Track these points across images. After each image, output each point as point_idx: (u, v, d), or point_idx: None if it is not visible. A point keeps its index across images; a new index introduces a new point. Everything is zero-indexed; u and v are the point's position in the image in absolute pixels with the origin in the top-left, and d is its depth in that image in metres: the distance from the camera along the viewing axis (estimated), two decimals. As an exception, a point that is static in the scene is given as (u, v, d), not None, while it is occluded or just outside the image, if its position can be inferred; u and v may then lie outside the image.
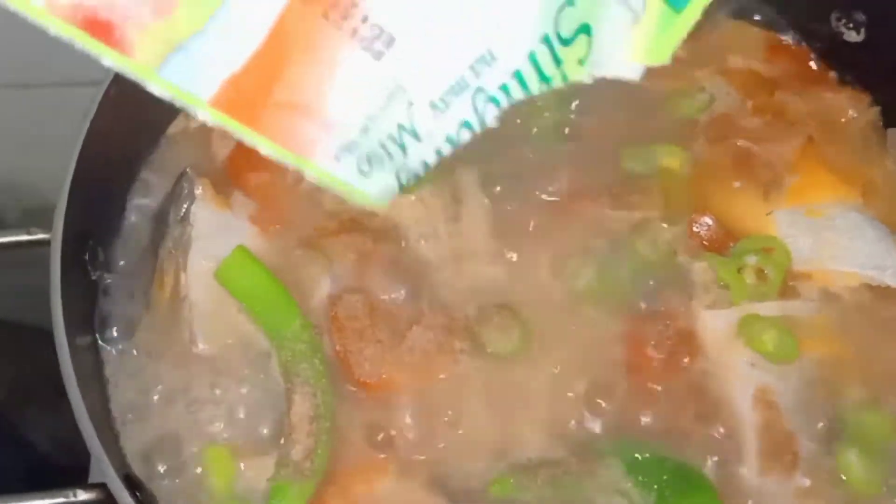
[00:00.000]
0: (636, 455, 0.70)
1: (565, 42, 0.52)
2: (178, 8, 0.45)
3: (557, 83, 0.54)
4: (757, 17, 0.89)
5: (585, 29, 0.53)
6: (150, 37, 0.45)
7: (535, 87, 0.54)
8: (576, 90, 0.81)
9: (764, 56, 0.87)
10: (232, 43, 0.47)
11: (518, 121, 0.81)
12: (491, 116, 0.55)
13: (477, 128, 0.55)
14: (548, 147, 0.81)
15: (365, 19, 0.49)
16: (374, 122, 0.51)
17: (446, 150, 0.54)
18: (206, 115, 0.48)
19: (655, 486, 0.68)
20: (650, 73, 0.85)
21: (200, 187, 0.78)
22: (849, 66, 0.85)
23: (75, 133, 0.73)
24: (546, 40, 0.52)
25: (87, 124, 0.72)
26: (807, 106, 0.84)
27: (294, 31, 0.48)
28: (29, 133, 1.26)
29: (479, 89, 0.53)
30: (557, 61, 0.53)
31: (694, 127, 0.84)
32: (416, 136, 0.53)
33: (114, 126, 0.75)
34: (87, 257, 0.75)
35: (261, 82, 0.49)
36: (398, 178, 0.54)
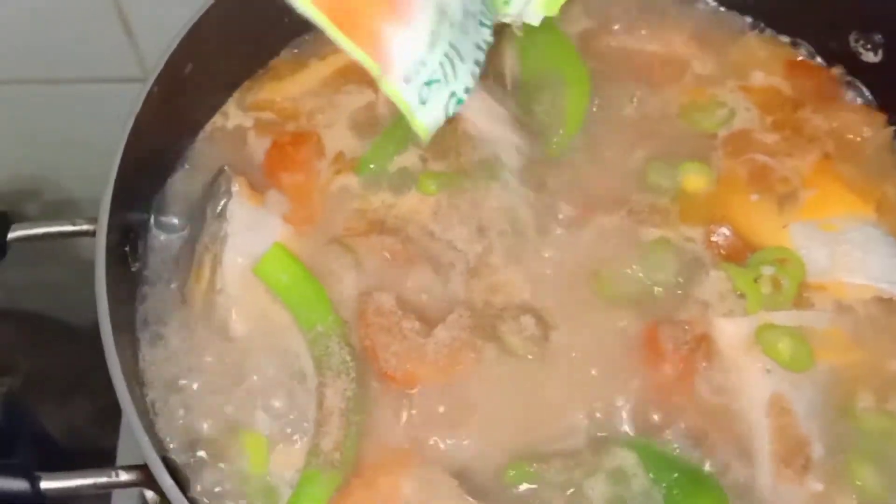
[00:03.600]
0: (649, 452, 0.72)
1: None
2: None
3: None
4: (778, 35, 0.91)
5: None
6: None
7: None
8: (596, 101, 0.85)
9: (784, 73, 0.90)
10: None
11: (538, 125, 0.84)
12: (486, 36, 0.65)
13: (485, 48, 0.64)
14: (569, 155, 0.84)
15: None
16: (436, 37, 0.58)
17: (476, 72, 0.62)
18: (305, 9, 0.54)
19: (665, 484, 0.71)
20: (674, 86, 0.89)
21: (237, 185, 0.81)
22: (866, 85, 0.88)
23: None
24: None
25: (132, 120, 0.75)
26: (825, 123, 0.87)
27: None
28: (54, 129, 1.29)
29: (472, 13, 0.63)
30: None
31: (713, 140, 0.86)
32: (459, 55, 0.60)
33: (156, 123, 0.78)
34: (127, 249, 0.78)
35: None
36: (446, 110, 0.61)
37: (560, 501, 0.71)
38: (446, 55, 0.59)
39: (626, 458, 0.72)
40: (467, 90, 0.62)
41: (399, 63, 0.57)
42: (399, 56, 0.57)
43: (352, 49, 0.55)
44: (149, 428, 0.69)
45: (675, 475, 0.71)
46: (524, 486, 0.72)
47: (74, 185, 1.41)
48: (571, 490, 0.71)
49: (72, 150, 1.26)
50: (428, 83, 0.59)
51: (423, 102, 0.60)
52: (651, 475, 0.71)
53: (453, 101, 0.62)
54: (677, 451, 0.73)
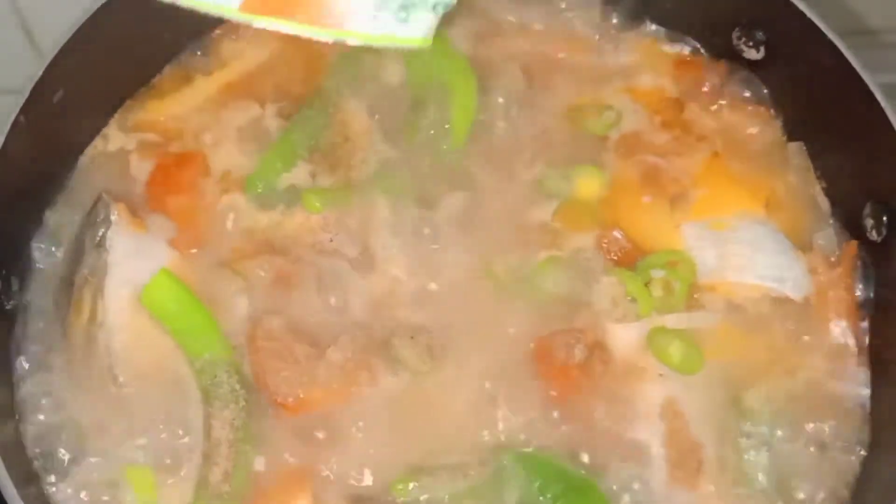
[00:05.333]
0: (537, 463, 0.72)
1: None
2: None
3: None
4: (665, 36, 0.91)
5: None
6: None
7: None
8: (487, 107, 0.84)
9: (671, 72, 0.90)
10: None
11: (424, 137, 0.83)
12: None
13: None
14: (457, 166, 0.83)
15: None
16: None
17: None
18: (240, 17, 0.52)
19: (550, 495, 0.71)
20: (563, 90, 0.88)
21: (116, 212, 0.78)
22: (751, 82, 0.88)
23: None
24: None
25: (-4, 154, 0.72)
26: (713, 121, 0.87)
27: None
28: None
29: None
30: None
31: (605, 142, 0.86)
32: None
33: (24, 154, 0.75)
34: (-1, 287, 0.75)
35: None
36: (434, 10, 0.59)
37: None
38: None
39: (514, 469, 0.72)
40: None
41: (358, 13, 0.55)
42: (355, 9, 0.55)
43: (301, 29, 0.54)
44: (22, 475, 0.67)
45: (562, 486, 0.71)
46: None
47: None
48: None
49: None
50: (402, 6, 0.57)
51: (402, 21, 0.58)
52: (537, 485, 0.71)
53: (439, 5, 0.60)
54: (568, 460, 0.73)
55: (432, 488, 0.71)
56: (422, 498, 0.71)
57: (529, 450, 0.73)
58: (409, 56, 0.85)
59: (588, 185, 0.84)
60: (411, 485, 0.71)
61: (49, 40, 1.08)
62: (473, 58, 0.87)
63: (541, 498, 0.71)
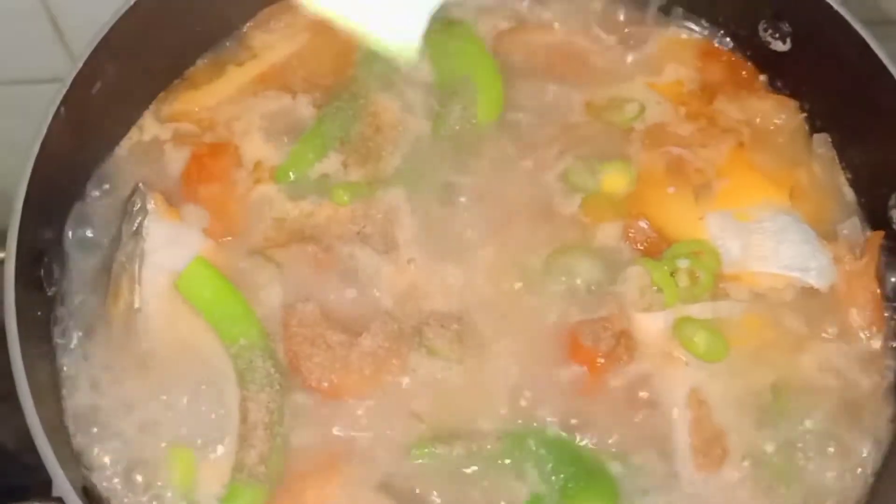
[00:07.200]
0: (552, 445, 0.74)
1: None
2: None
3: None
4: (691, 27, 0.92)
5: None
6: None
7: None
8: (511, 102, 0.86)
9: (697, 62, 0.90)
10: None
11: (450, 132, 0.85)
12: None
13: None
14: (484, 155, 0.84)
15: None
16: None
17: None
18: None
19: (562, 475, 0.73)
20: (589, 83, 0.89)
21: (152, 201, 0.80)
22: (777, 73, 0.89)
23: (27, 137, 0.74)
24: None
25: (38, 145, 0.74)
26: (739, 112, 0.88)
27: None
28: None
29: None
30: None
31: (630, 134, 0.87)
32: None
33: (65, 144, 0.77)
34: (41, 273, 0.77)
35: None
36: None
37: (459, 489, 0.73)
38: None
39: (530, 449, 0.74)
40: None
41: None
42: None
43: None
44: (66, 456, 0.69)
45: (573, 469, 0.73)
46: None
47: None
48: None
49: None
50: None
51: None
52: (550, 466, 0.73)
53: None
54: (589, 444, 0.75)
55: (448, 457, 0.73)
56: (437, 466, 0.73)
57: (547, 432, 0.75)
58: (435, 52, 0.87)
59: (616, 179, 0.85)
60: (428, 450, 0.73)
61: (77, 33, 1.10)
62: (497, 53, 0.88)
63: (553, 478, 0.72)
